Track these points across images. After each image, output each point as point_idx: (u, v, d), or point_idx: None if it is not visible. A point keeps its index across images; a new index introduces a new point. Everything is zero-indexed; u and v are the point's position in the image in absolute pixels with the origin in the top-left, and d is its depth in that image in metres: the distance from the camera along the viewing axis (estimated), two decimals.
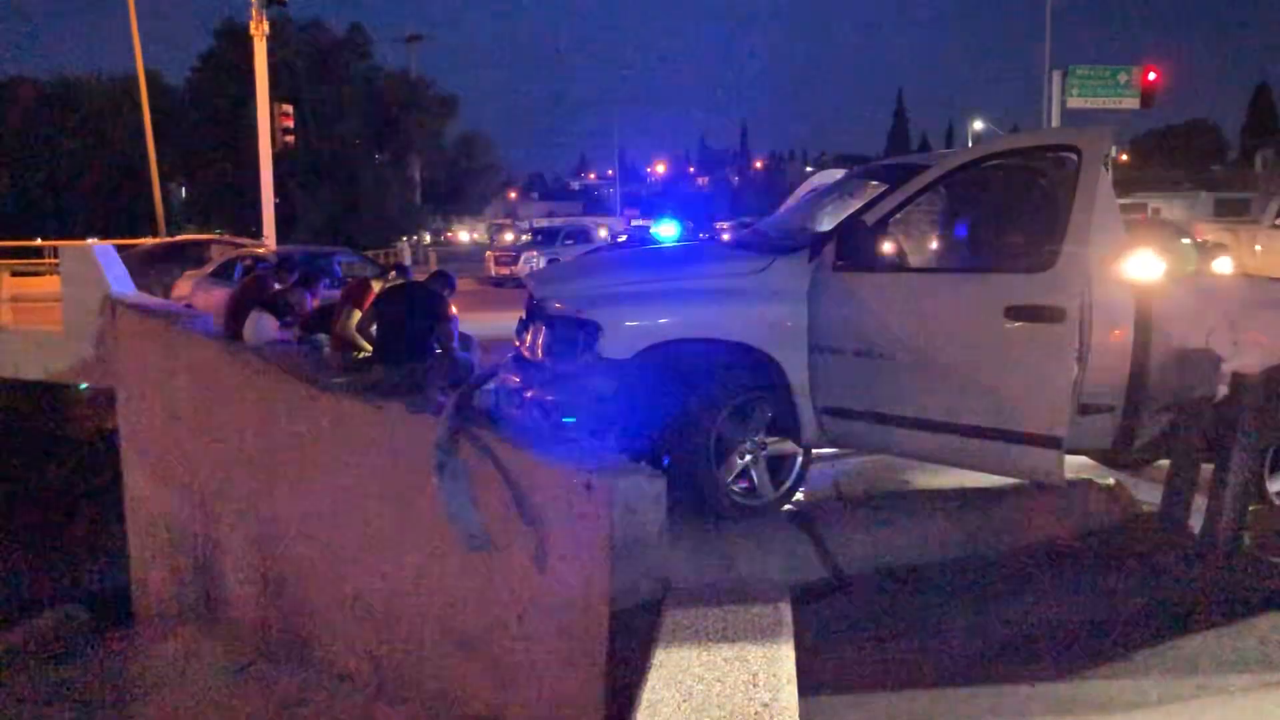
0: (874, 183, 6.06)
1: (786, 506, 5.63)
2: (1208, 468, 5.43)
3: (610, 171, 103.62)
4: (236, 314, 8.95)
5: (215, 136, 39.66)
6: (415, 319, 7.28)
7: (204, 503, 8.20)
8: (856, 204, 5.65)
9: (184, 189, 47.24)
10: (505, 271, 29.29)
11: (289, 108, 24.88)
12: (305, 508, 6.84)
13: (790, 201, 7.94)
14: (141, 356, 9.52)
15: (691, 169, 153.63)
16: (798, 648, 3.49)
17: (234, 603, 7.89)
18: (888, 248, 5.31)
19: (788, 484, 5.57)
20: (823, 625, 4.49)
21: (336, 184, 41.17)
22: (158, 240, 24.30)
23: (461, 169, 51.40)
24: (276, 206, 24.92)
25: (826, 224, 5.84)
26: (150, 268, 17.51)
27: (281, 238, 24.84)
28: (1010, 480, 5.61)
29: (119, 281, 11.19)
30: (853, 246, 5.17)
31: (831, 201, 6.37)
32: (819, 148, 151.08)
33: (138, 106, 29.34)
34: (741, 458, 5.41)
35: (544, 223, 51.04)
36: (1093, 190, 4.64)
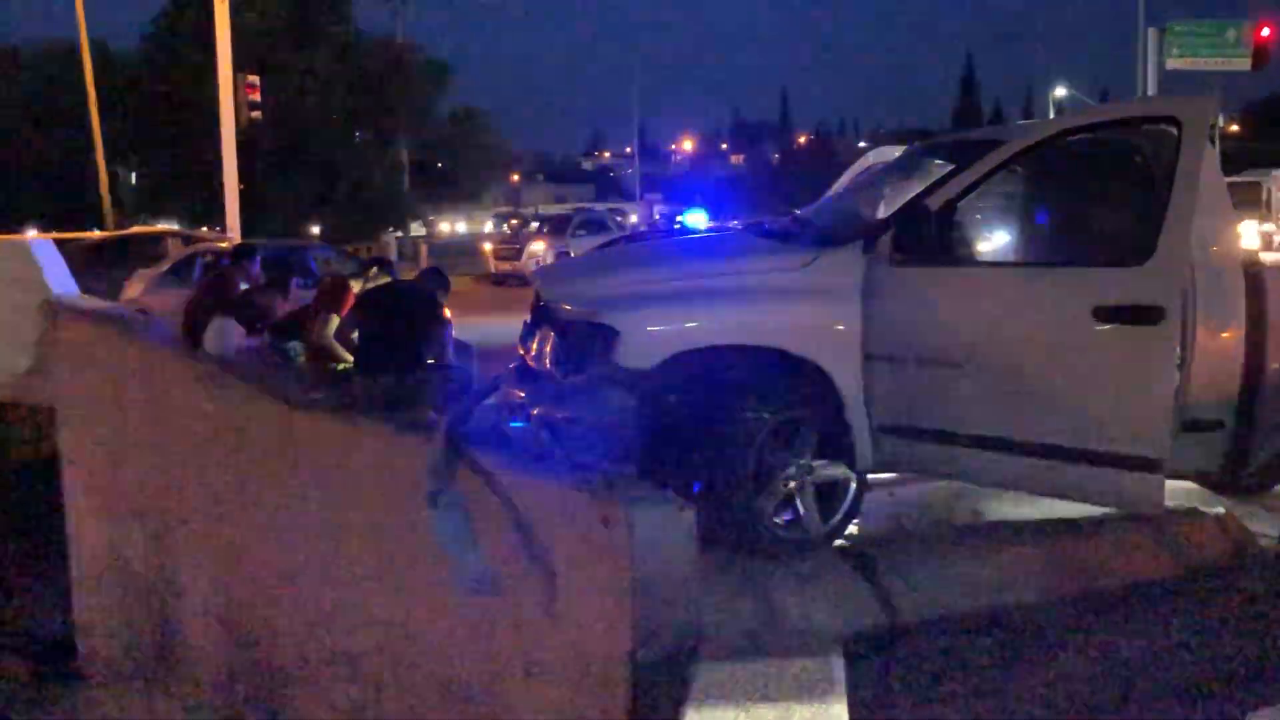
0: (938, 161, 6.07)
1: (838, 542, 5.62)
2: None
3: (628, 149, 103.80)
4: (196, 319, 9.03)
5: (171, 113, 39.93)
6: (403, 324, 7.32)
7: (160, 540, 8.24)
8: (918, 186, 5.65)
9: (135, 174, 47.60)
10: (507, 268, 29.42)
11: (255, 79, 25.08)
12: (278, 545, 6.86)
13: (840, 184, 7.94)
14: (86, 369, 9.58)
15: (724, 146, 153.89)
16: (852, 708, 3.49)
17: (195, 656, 7.92)
18: (955, 238, 5.32)
19: (839, 516, 5.56)
20: (880, 682, 4.47)
21: (311, 168, 41.38)
22: (105, 233, 24.57)
23: (456, 149, 51.62)
24: (242, 194, 25.11)
25: (883, 210, 5.85)
26: (97, 265, 17.68)
27: (247, 230, 25.03)
28: (1101, 510, 5.58)
29: (60, 281, 11.24)
30: (914, 236, 5.18)
31: (889, 184, 6.39)
32: (874, 121, 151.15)
33: (82, 79, 29.62)
34: (785, 485, 5.41)
35: (552, 210, 51.24)
36: (1195, 168, 4.63)
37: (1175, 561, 5.62)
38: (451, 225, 71.97)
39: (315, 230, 39.94)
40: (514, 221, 40.46)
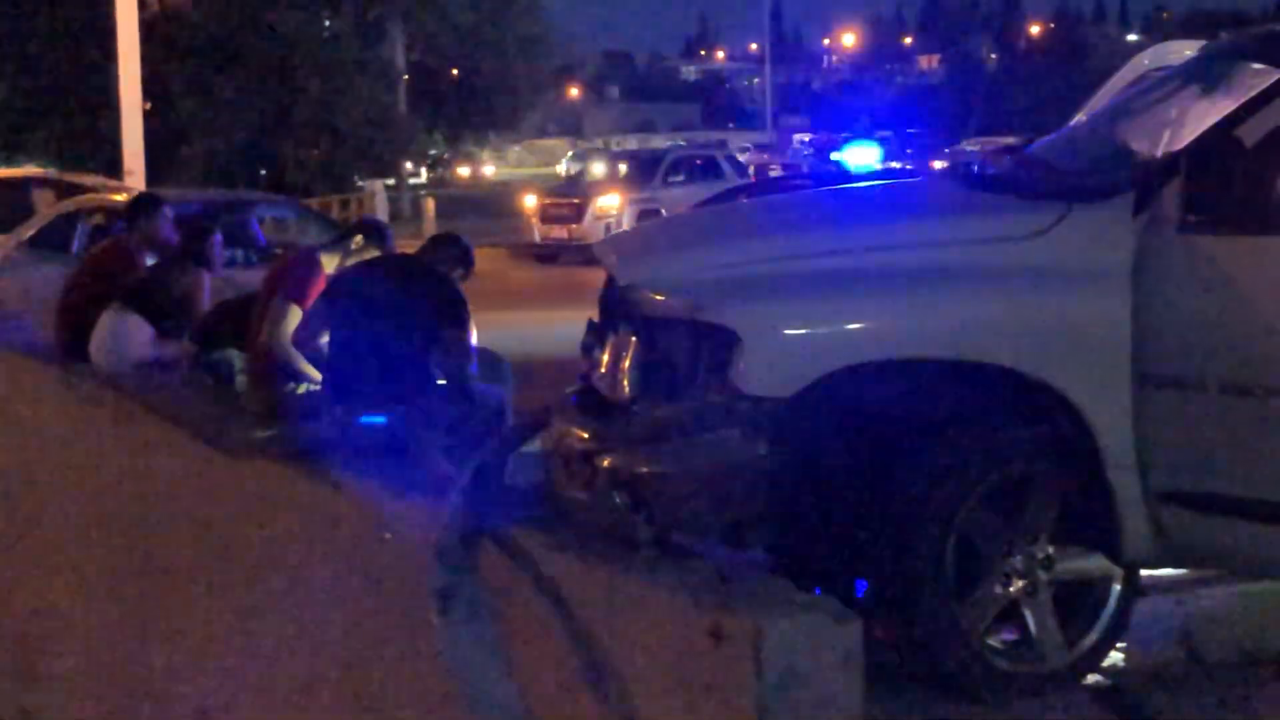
0: (1258, 65, 6.00)
1: (1091, 678, 5.58)
2: None
3: (753, 47, 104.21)
4: (80, 314, 9.19)
5: (40, 3, 40.76)
6: (400, 323, 7.40)
7: (20, 656, 8.43)
8: (1226, 108, 5.60)
9: None
10: (562, 234, 29.62)
11: None
12: (198, 663, 6.99)
13: (1097, 101, 7.89)
14: None
15: (908, 40, 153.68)
16: None
17: None
18: None
19: (1094, 635, 5.53)
20: None
21: (256, 78, 41.99)
22: None
23: (481, 47, 51.98)
24: (149, 120, 25.50)
25: (1168, 144, 5.79)
26: None
27: (158, 175, 25.46)
28: None
29: None
30: (1220, 187, 5.15)
31: (1177, 102, 6.33)
32: (1150, 1, 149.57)
33: None
34: (1006, 585, 5.39)
35: (633, 144, 51.58)
36: None
37: None
38: (475, 167, 72.62)
39: (263, 176, 40.50)
40: (486, 169, 40.57)
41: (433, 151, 56.89)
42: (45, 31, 40.35)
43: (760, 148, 58.54)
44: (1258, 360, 5.05)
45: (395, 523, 5.71)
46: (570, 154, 70.07)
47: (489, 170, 72.23)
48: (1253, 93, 5.52)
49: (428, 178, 58.57)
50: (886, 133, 54.01)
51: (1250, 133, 5.14)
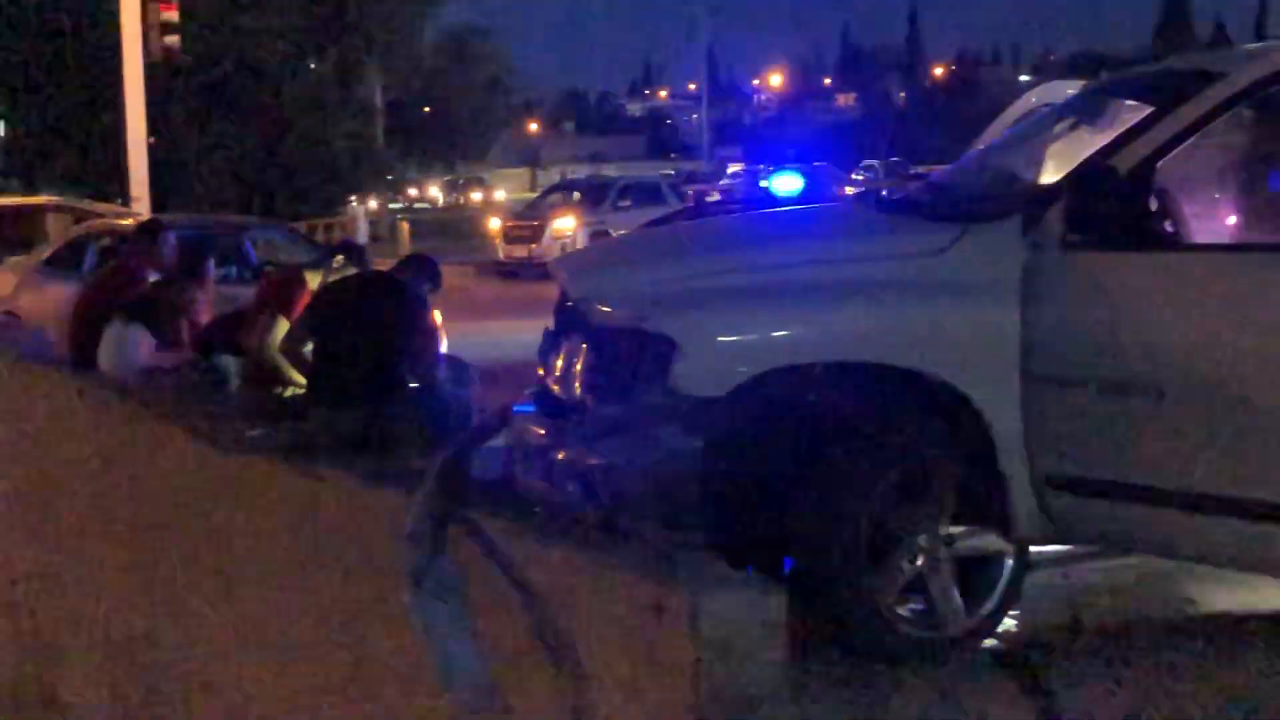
0: (1131, 103, 6.07)
1: (988, 642, 5.62)
2: None
3: (692, 86, 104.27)
4: (89, 326, 9.15)
5: (55, 45, 40.51)
6: (376, 332, 7.40)
7: (36, 638, 8.37)
8: (1102, 139, 5.65)
9: (2, 125, 48.28)
10: (522, 253, 29.63)
11: None
12: (203, 645, 6.95)
13: (991, 134, 7.95)
14: None
15: (828, 81, 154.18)
16: None
17: None
18: (1157, 211, 5.31)
19: (990, 605, 5.57)
20: None
21: (248, 115, 41.83)
22: None
23: (450, 87, 51.98)
24: (154, 152, 25.39)
25: (1053, 172, 5.84)
26: None
27: (161, 202, 25.33)
28: None
29: None
30: (1097, 209, 5.19)
31: (1061, 134, 6.39)
32: (1045, 44, 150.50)
33: None
34: (912, 561, 5.42)
35: (584, 172, 51.56)
36: None
37: None
38: (487, 192, 72.68)
39: (254, 201, 40.31)
40: (474, 194, 40.82)
41: (448, 177, 56.94)
42: (60, 74, 40.01)
43: (697, 176, 58.91)
44: (1129, 361, 5.10)
45: (372, 510, 5.70)
46: (445, 185, 70.75)
47: (499, 195, 71.80)
48: (1125, 126, 5.59)
49: (445, 201, 58.44)
50: (821, 162, 54.26)
51: (1123, 161, 5.18)
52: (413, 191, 73.34)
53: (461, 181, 56.97)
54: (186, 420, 7.24)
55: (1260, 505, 4.90)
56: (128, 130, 24.34)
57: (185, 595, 7.05)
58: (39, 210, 21.46)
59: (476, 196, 57.79)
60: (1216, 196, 5.91)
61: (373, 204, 47.14)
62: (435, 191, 75.09)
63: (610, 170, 48.30)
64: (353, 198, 46.85)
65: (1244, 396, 4.93)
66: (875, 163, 64.63)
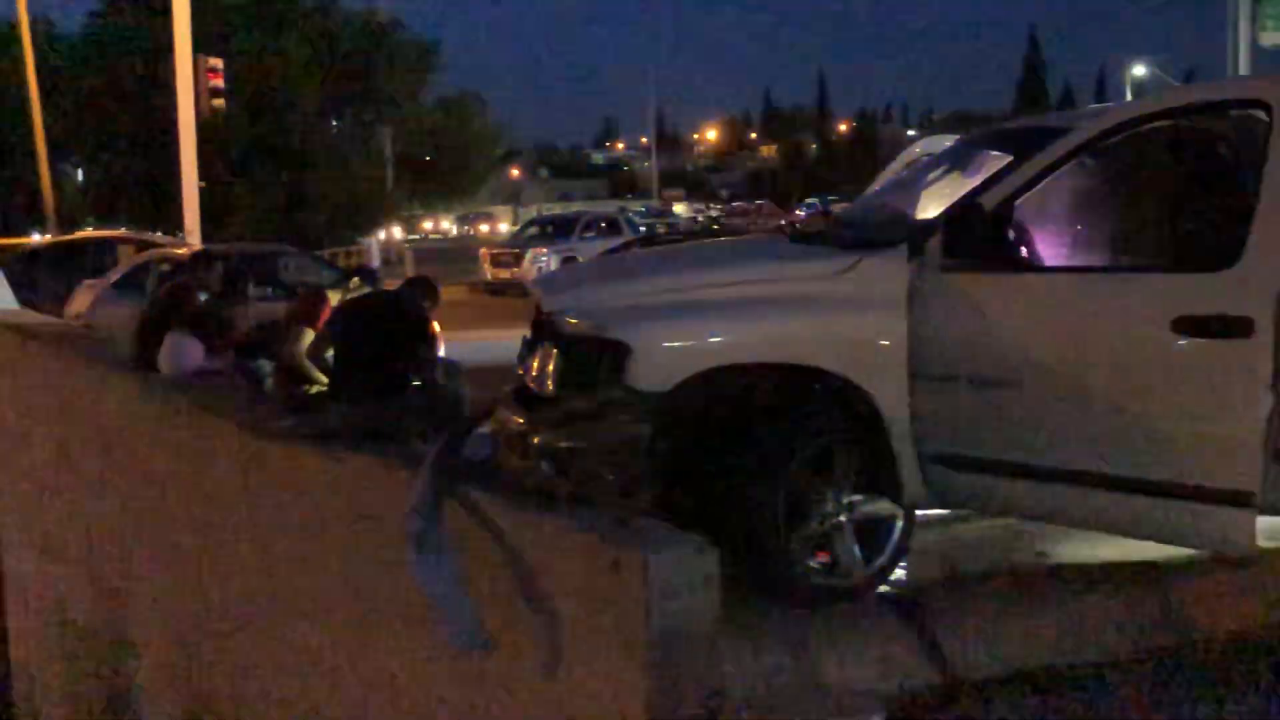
0: (996, 153, 6.09)
1: (883, 588, 5.63)
2: None
3: (644, 140, 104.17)
4: (150, 336, 9.07)
5: (122, 103, 40.24)
6: (385, 340, 7.36)
7: (107, 586, 8.30)
8: (972, 182, 5.68)
9: (81, 172, 47.91)
10: (505, 275, 29.55)
11: (218, 63, 25.22)
12: (240, 593, 6.90)
13: (883, 179, 7.97)
14: (23, 393, 9.67)
15: (753, 135, 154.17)
16: None
17: (148, 717, 7.96)
18: (1014, 240, 5.34)
19: (884, 558, 5.57)
20: None
21: (281, 163, 41.62)
22: (48, 239, 24.70)
23: (447, 140, 51.87)
24: (204, 194, 25.22)
25: (932, 209, 5.86)
26: (37, 275, 17.82)
27: (209, 234, 25.16)
28: (1188, 552, 5.57)
29: None
30: (967, 239, 5.21)
31: (939, 178, 6.41)
32: (928, 104, 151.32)
33: (20, 64, 29.81)
34: (821, 523, 5.42)
35: (556, 209, 51.45)
36: None
37: (1274, 610, 5.61)
38: (493, 224, 72.47)
39: (287, 233, 40.11)
40: (482, 227, 40.73)
41: (412, 214, 56.63)
42: (128, 131, 39.76)
43: (654, 212, 59.01)
44: (991, 362, 5.12)
45: (381, 485, 5.68)
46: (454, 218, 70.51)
47: (503, 227, 71.14)
48: (990, 172, 5.62)
49: (415, 234, 58.09)
50: (761, 201, 54.33)
51: (989, 200, 5.21)
52: (428, 225, 72.94)
53: (471, 216, 56.65)
54: (230, 412, 7.21)
55: (1094, 477, 4.93)
56: (182, 176, 24.18)
57: (229, 550, 7.02)
58: (110, 242, 21.34)
59: (484, 229, 57.34)
60: (1060, 229, 5.94)
61: (397, 234, 46.81)
62: (446, 225, 74.48)
63: (577, 207, 48.24)
64: (380, 232, 46.52)
65: (1080, 389, 4.96)
66: (815, 200, 64.48)
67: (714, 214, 65.66)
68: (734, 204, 73.54)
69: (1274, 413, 4.82)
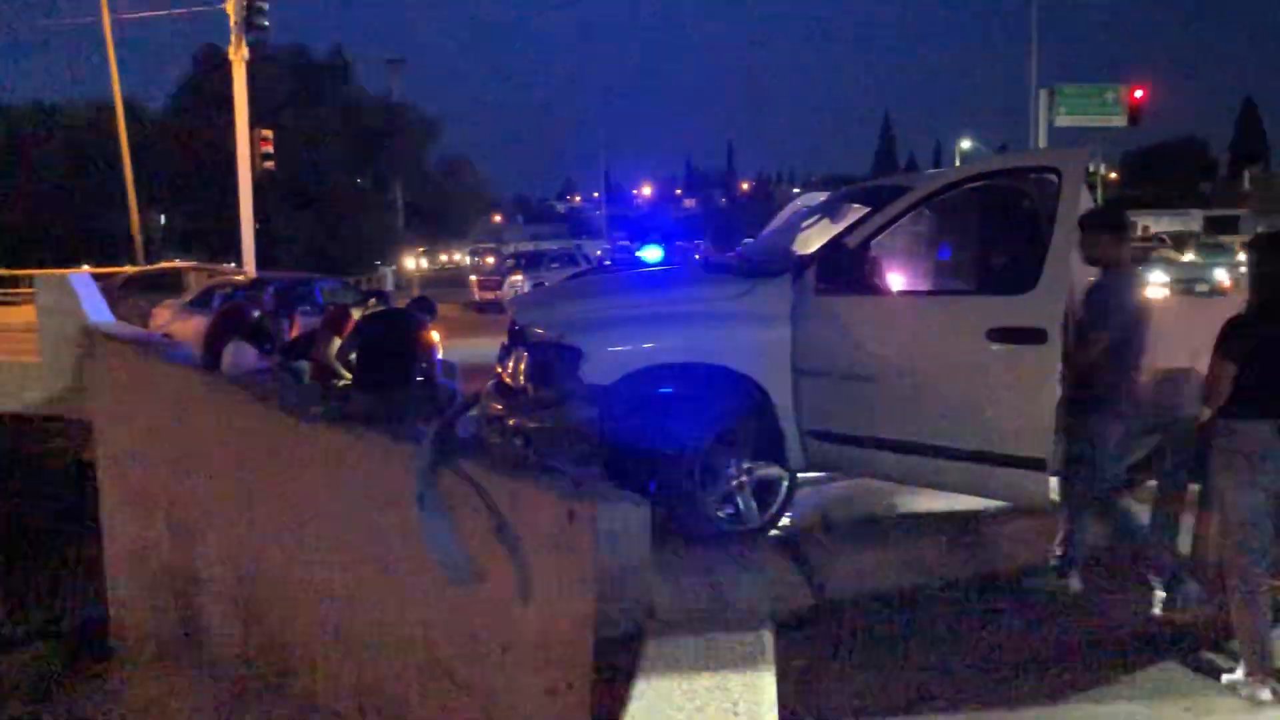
0: (856, 205, 6.13)
1: (773, 532, 5.65)
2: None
3: (596, 194, 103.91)
4: (214, 343, 8.95)
5: (195, 163, 39.67)
6: (395, 346, 7.30)
7: (185, 536, 8.16)
8: (839, 227, 5.71)
9: (164, 217, 47.17)
10: (490, 296, 29.42)
11: (269, 133, 24.93)
12: (286, 541, 6.81)
13: (774, 224, 8.00)
14: (119, 387, 9.49)
15: (679, 191, 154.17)
16: (783, 676, 3.51)
17: (215, 639, 7.84)
18: (870, 270, 5.37)
19: (774, 509, 5.60)
20: (809, 652, 4.49)
21: (318, 209, 41.18)
22: (137, 268, 24.28)
23: (445, 193, 51.54)
24: (257, 233, 24.93)
25: (809, 247, 5.90)
26: (129, 296, 17.50)
27: (262, 265, 24.85)
28: (998, 504, 5.64)
29: (96, 311, 11.17)
30: (835, 270, 5.24)
31: (814, 224, 6.44)
32: (808, 168, 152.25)
33: (117, 134, 29.38)
34: (727, 483, 5.44)
35: (529, 246, 51.17)
36: (1073, 210, 4.69)
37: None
38: (449, 257, 71.58)
39: (322, 264, 39.71)
40: (489, 259, 40.28)
41: (418, 250, 56.06)
42: (200, 185, 39.20)
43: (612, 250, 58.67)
44: (853, 361, 5.16)
45: (393, 457, 5.61)
46: (468, 251, 69.41)
47: (490, 260, 69.95)
48: (850, 220, 5.66)
49: (422, 264, 57.39)
50: (682, 241, 54.16)
51: (851, 241, 5.25)
52: (443, 257, 71.71)
53: (480, 249, 56.05)
54: (277, 402, 7.10)
55: (931, 448, 4.97)
56: (241, 219, 23.96)
57: (275, 506, 6.91)
58: (184, 270, 21.07)
59: (490, 260, 56.87)
60: (904, 262, 6.00)
61: (409, 264, 46.27)
62: (458, 256, 72.91)
63: (546, 245, 48.09)
64: (391, 264, 46.15)
65: (920, 382, 5.00)
66: (749, 240, 64.17)
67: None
68: (676, 242, 73.16)
69: (1062, 400, 4.90)
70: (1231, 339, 4.08)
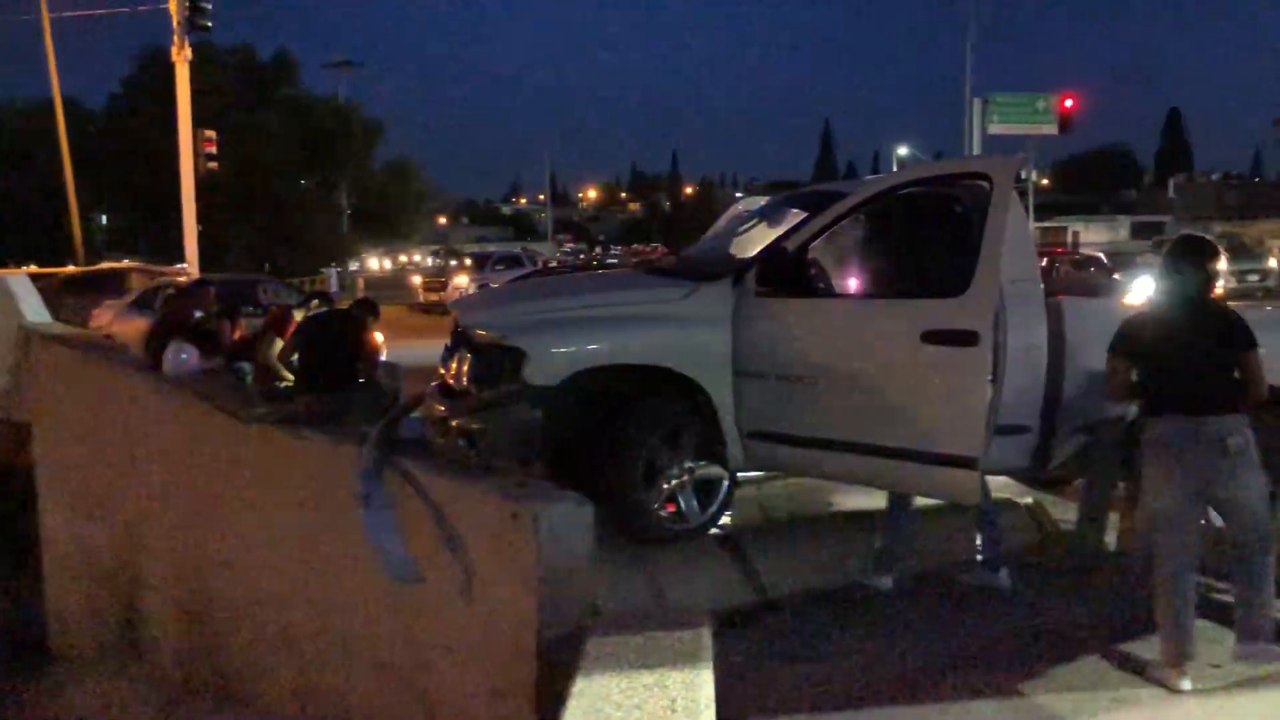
0: (795, 210, 6.16)
1: (713, 531, 5.66)
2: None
3: (541, 196, 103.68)
4: (157, 343, 8.77)
5: (137, 163, 38.81)
6: (337, 347, 7.20)
7: (126, 537, 7.98)
8: (778, 231, 5.73)
9: (105, 217, 46.13)
10: (435, 298, 29.18)
11: (212, 134, 24.56)
12: (228, 541, 6.69)
13: (716, 228, 8.02)
14: (59, 388, 9.25)
15: (624, 194, 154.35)
16: (723, 673, 3.51)
17: (156, 641, 7.68)
18: (808, 274, 5.41)
19: (714, 508, 5.61)
20: (748, 649, 4.51)
21: (262, 211, 40.50)
22: (77, 269, 23.75)
23: (391, 195, 50.95)
24: (201, 234, 24.52)
25: (749, 250, 5.91)
26: (69, 297, 17.09)
27: (207, 266, 24.43)
28: (932, 501, 5.70)
29: (34, 311, 10.87)
30: (774, 273, 5.26)
31: (754, 228, 6.45)
32: (750, 174, 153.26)
33: (56, 133, 28.72)
34: (669, 483, 5.44)
35: (474, 248, 50.85)
36: (1004, 216, 4.75)
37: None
38: (391, 260, 70.69)
39: (265, 265, 39.09)
40: (455, 260, 39.92)
41: (363, 252, 55.29)
42: (142, 186, 38.38)
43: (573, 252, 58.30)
44: (792, 363, 5.18)
45: (336, 457, 5.54)
46: (431, 254, 68.43)
47: (468, 261, 68.95)
48: (790, 225, 5.69)
49: (370, 265, 56.57)
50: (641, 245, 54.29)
51: (791, 244, 5.27)
52: (403, 258, 70.54)
53: (441, 251, 54.82)
54: (220, 402, 6.97)
55: (867, 447, 4.99)
56: (184, 220, 23.56)
57: (218, 506, 6.79)
58: (127, 271, 20.68)
59: (453, 263, 55.97)
60: (842, 265, 6.02)
61: (386, 263, 45.58)
62: (418, 257, 71.54)
63: (491, 247, 47.69)
64: (335, 265, 45.61)
65: (856, 383, 5.02)
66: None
67: (599, 253, 64.93)
68: (634, 246, 72.87)
69: (995, 401, 4.97)
70: (1119, 337, 4.41)
